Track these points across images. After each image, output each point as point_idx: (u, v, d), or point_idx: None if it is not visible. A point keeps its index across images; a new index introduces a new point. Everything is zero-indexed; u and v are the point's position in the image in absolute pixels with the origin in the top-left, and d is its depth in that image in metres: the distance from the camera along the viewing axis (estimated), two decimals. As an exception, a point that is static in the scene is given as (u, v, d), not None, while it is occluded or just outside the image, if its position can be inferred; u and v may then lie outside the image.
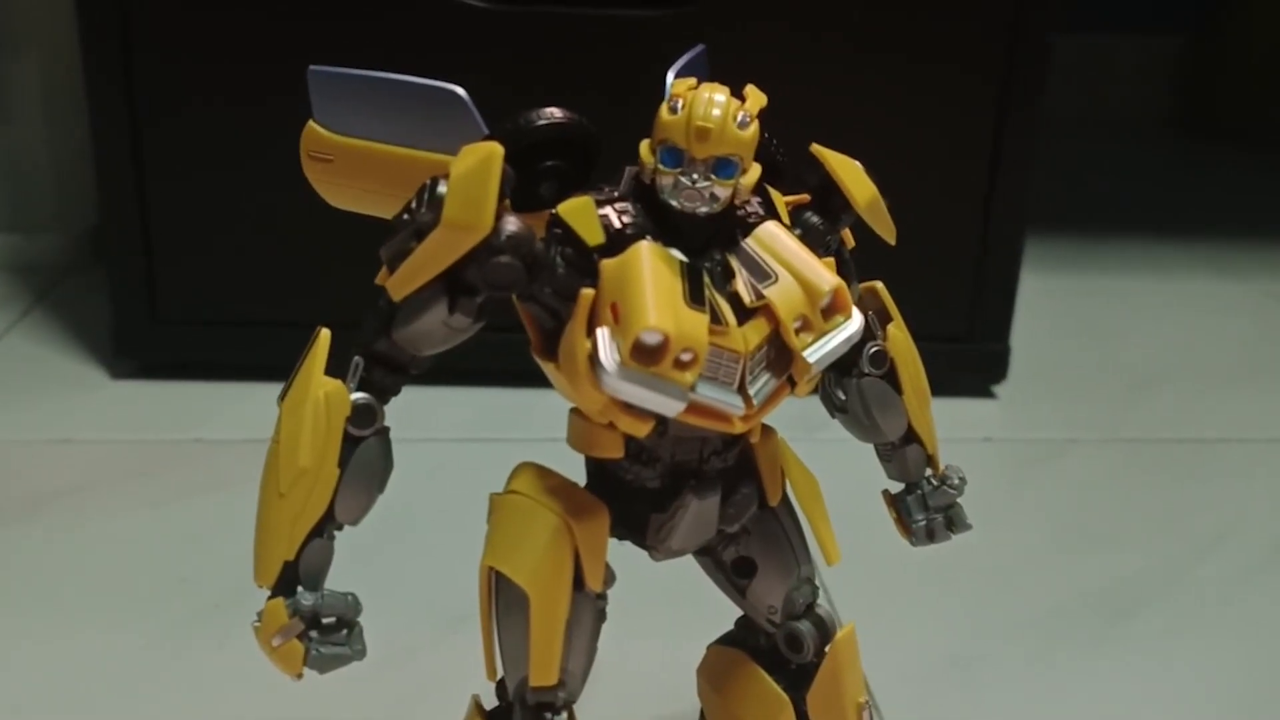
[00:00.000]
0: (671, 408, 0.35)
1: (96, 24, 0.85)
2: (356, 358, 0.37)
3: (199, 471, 0.81)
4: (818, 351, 0.36)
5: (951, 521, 0.46)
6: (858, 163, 0.41)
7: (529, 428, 0.87)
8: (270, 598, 0.37)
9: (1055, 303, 1.17)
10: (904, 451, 0.45)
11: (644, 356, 0.34)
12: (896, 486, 0.47)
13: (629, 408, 0.35)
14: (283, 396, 0.38)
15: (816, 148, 0.40)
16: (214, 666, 0.62)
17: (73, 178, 1.16)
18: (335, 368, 0.38)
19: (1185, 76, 1.85)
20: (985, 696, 0.62)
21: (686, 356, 0.34)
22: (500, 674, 0.40)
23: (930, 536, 0.46)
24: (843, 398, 0.44)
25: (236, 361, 0.93)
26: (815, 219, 0.40)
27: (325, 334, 0.38)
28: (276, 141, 0.88)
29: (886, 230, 0.42)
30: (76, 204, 1.17)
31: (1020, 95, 0.87)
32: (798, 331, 0.36)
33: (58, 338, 1.01)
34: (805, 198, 0.41)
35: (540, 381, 0.40)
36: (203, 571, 0.70)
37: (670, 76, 0.40)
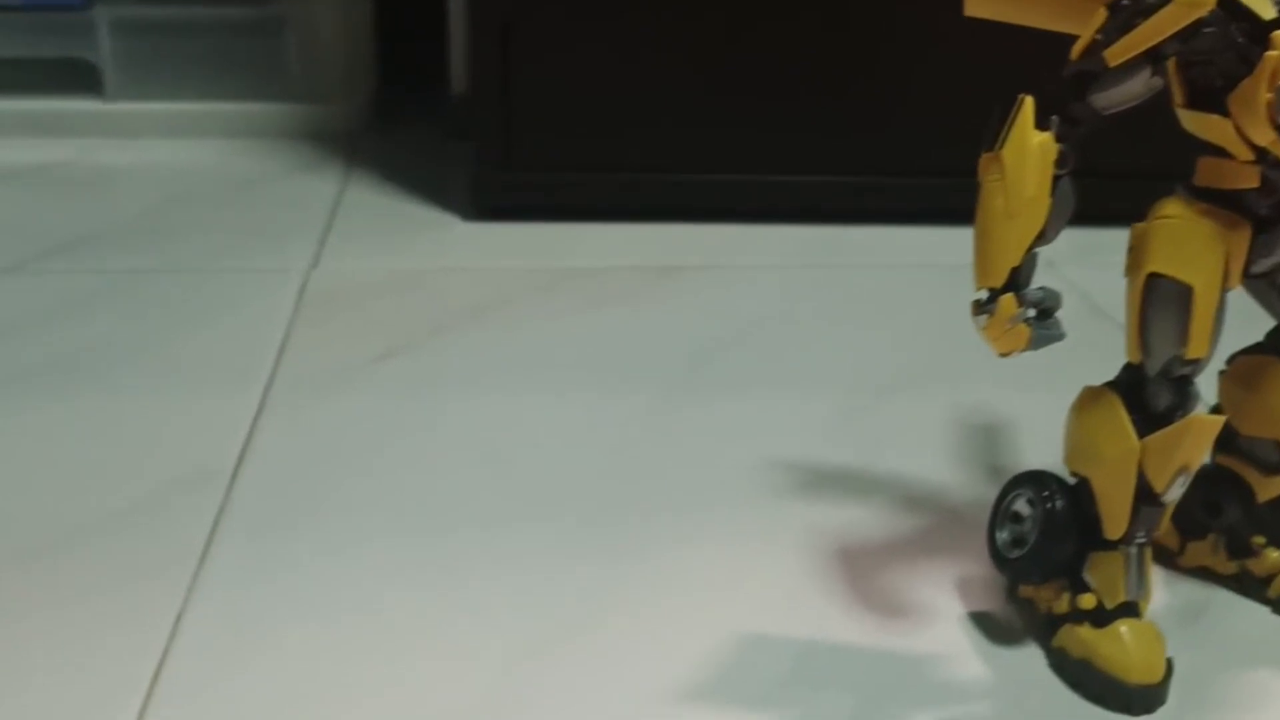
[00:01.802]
0: None
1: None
2: (1054, 116, 0.50)
3: (595, 290, 0.94)
4: None
5: None
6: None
7: (841, 256, 1.01)
8: (998, 295, 0.50)
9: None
10: None
11: (1320, 100, 0.47)
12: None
13: (1296, 141, 0.48)
14: (991, 148, 0.50)
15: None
16: (701, 418, 0.76)
17: (355, 49, 1.27)
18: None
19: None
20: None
21: (1341, 102, 0.47)
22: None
23: None
24: None
25: (580, 204, 1.05)
26: None
27: (1029, 100, 0.50)
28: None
29: None
30: (359, 74, 1.28)
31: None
32: None
33: (390, 192, 1.13)
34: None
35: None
36: (649, 360, 0.83)
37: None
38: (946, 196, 1.02)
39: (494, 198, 1.05)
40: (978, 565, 0.62)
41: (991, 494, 0.67)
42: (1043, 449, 0.67)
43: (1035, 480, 0.56)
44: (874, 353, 0.85)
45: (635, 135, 1.03)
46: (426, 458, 0.71)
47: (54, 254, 0.96)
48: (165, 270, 0.95)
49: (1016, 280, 0.50)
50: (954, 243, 1.02)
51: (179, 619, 0.57)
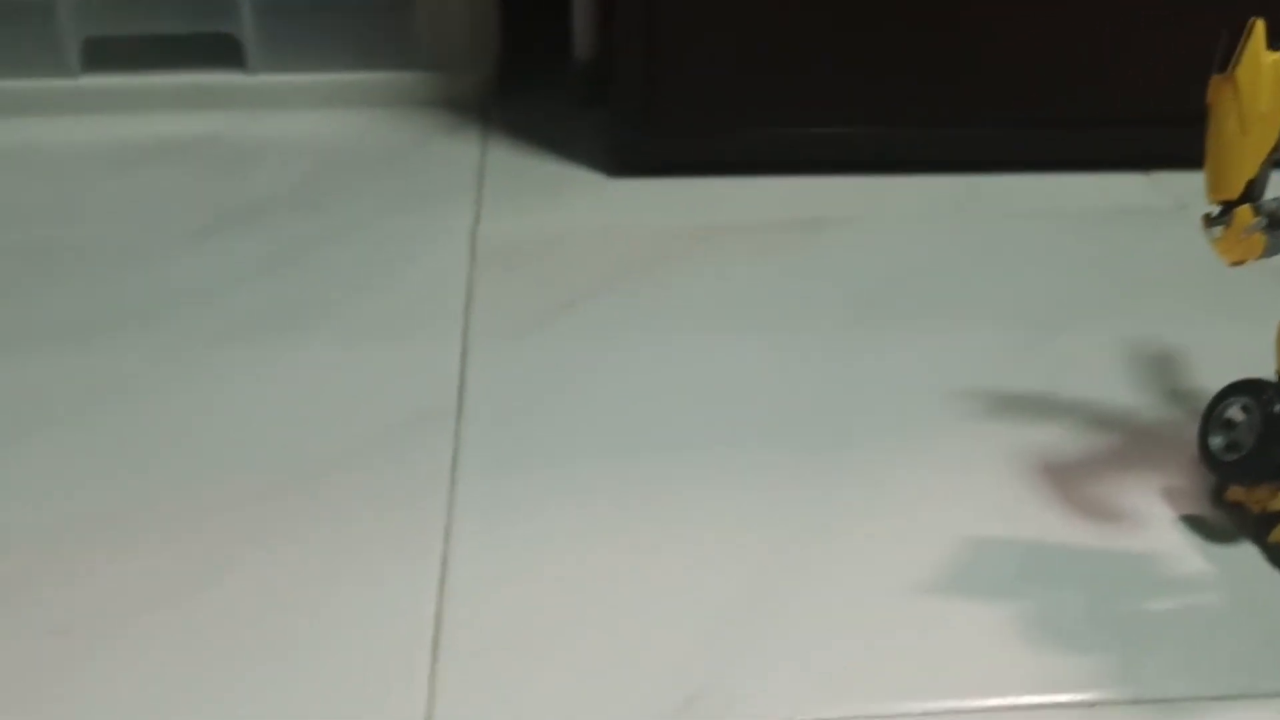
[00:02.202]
0: None
1: None
2: (1281, 42, 0.53)
3: (751, 242, 0.97)
4: None
5: None
6: None
7: (984, 204, 1.04)
8: (1233, 207, 0.53)
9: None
10: None
11: None
12: None
13: None
14: (1221, 69, 0.53)
15: None
16: (880, 355, 0.80)
17: (481, 19, 1.31)
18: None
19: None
20: None
21: None
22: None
23: None
24: None
25: (720, 159, 1.09)
26: None
27: (1260, 23, 0.53)
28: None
29: None
30: (485, 43, 1.32)
31: None
32: None
33: (531, 153, 1.17)
34: None
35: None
36: (817, 306, 0.87)
37: None
38: (1087, 146, 1.06)
39: (636, 155, 1.08)
40: (1178, 476, 0.66)
41: (1176, 415, 0.71)
42: (1217, 374, 0.70)
43: (1251, 388, 0.59)
44: (1033, 293, 0.88)
45: (774, 88, 1.06)
46: (630, 393, 0.75)
47: (230, 220, 1.01)
48: (337, 232, 0.99)
49: (1251, 192, 0.54)
50: (1090, 189, 1.06)
51: (448, 531, 0.61)
